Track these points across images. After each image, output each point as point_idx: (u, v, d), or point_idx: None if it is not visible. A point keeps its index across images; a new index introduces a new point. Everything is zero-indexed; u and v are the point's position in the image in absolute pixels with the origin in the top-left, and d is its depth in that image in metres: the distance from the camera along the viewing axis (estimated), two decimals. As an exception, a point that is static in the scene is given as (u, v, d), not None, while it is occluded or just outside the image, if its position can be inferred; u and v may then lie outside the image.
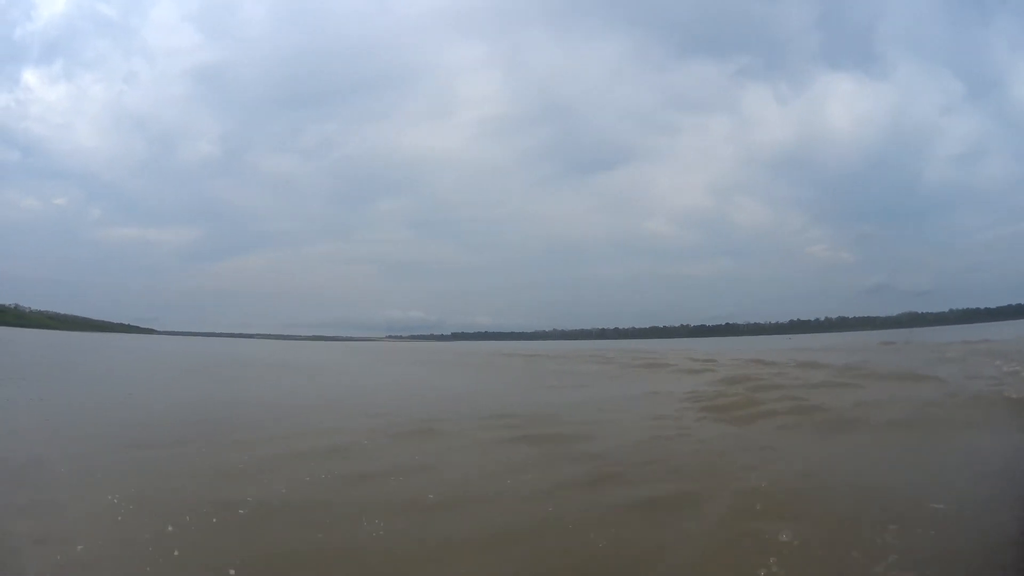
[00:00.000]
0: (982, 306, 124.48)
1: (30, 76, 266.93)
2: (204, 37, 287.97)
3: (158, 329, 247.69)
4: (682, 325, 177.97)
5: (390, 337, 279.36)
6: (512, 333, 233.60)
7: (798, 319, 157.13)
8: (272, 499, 5.63)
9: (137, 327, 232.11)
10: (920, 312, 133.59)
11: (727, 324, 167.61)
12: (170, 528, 4.80)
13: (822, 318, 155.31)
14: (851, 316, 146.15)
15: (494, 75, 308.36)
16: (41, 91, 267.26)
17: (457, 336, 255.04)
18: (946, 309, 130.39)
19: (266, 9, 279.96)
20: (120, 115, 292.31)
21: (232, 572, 4.17)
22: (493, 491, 6.06)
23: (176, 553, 4.38)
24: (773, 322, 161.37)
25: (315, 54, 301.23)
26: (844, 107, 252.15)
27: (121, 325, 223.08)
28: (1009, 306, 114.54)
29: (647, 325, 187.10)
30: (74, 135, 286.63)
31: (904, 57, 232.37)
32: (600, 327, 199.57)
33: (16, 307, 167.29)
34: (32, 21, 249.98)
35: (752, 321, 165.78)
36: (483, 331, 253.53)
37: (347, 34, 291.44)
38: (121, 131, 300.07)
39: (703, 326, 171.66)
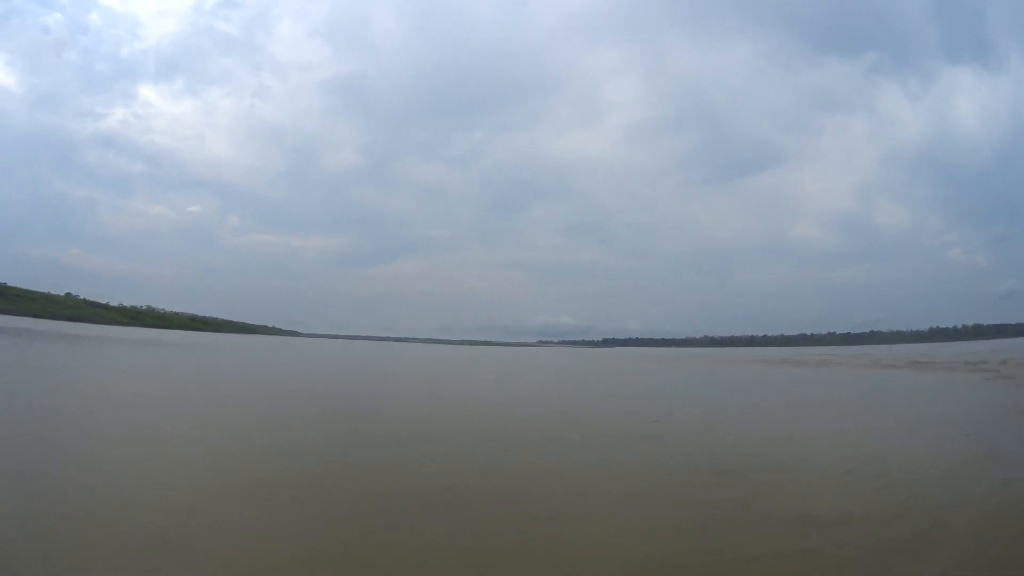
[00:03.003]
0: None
1: (148, 92, 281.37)
2: (334, 51, 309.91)
3: (302, 332, 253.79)
4: (829, 333, 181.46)
5: (541, 342, 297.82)
6: (662, 340, 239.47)
7: (937, 327, 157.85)
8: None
9: (280, 329, 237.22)
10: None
11: (871, 332, 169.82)
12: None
13: (959, 326, 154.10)
14: (985, 324, 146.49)
15: (636, 80, 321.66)
16: (163, 106, 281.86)
17: (608, 342, 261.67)
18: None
19: (398, 22, 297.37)
20: (254, 127, 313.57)
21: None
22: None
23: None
24: (914, 330, 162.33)
25: (454, 64, 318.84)
26: (969, 102, 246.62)
27: (264, 327, 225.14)
28: None
29: (795, 332, 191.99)
30: (206, 146, 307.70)
31: (1014, 47, 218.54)
32: (749, 334, 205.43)
33: (150, 308, 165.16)
34: (140, 39, 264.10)
35: (894, 329, 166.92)
36: (633, 337, 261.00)
37: (485, 44, 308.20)
38: (256, 142, 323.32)
39: (849, 334, 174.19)
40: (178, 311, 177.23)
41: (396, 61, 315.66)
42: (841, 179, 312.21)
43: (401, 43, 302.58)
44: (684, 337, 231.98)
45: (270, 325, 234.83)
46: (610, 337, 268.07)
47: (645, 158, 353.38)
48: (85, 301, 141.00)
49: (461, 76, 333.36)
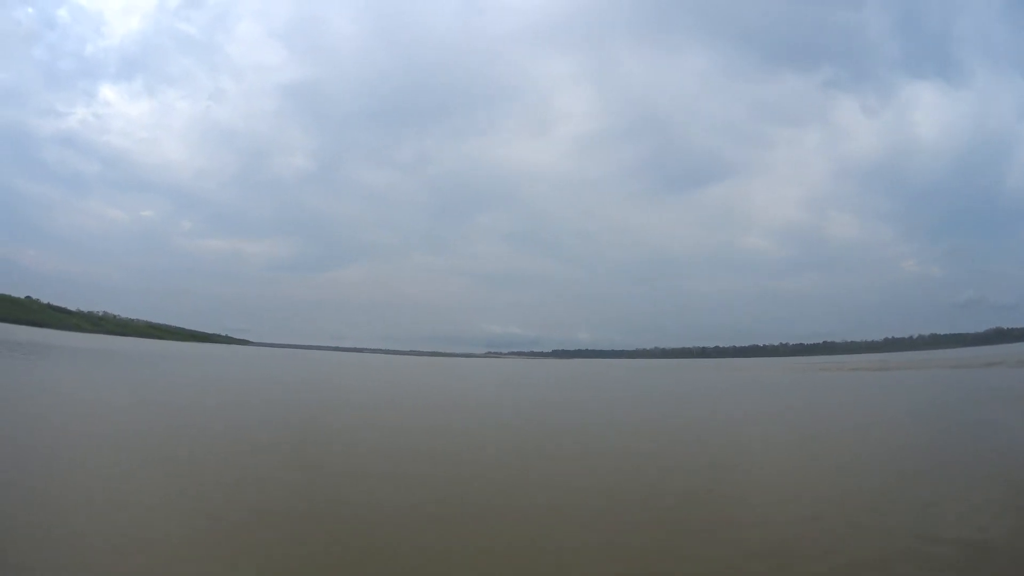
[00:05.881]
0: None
1: (108, 91, 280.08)
2: (291, 54, 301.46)
3: (252, 340, 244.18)
4: (781, 344, 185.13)
5: (489, 353, 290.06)
6: (612, 351, 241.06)
7: (892, 337, 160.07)
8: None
9: (231, 338, 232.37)
10: (1006, 328, 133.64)
11: (824, 342, 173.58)
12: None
13: (915, 336, 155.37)
14: (942, 333, 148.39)
15: (587, 90, 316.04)
16: (122, 106, 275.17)
17: (558, 353, 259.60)
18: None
19: (356, 27, 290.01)
20: (208, 130, 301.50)
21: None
22: None
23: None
24: (868, 340, 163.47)
25: (408, 71, 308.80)
26: (928, 116, 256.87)
27: (216, 336, 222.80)
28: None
29: (747, 343, 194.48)
30: (160, 149, 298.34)
31: (980, 62, 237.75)
32: (701, 345, 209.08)
33: (105, 314, 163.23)
34: (104, 37, 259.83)
35: (848, 339, 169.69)
36: (583, 348, 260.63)
37: (440, 51, 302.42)
38: (209, 145, 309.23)
39: (801, 344, 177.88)
40: (133, 317, 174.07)
41: (351, 65, 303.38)
42: (792, 191, 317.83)
43: (357, 47, 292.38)
44: (635, 348, 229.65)
45: (222, 333, 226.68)
46: (559, 348, 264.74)
47: (594, 168, 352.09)
48: (49, 306, 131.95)
49: (414, 83, 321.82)
